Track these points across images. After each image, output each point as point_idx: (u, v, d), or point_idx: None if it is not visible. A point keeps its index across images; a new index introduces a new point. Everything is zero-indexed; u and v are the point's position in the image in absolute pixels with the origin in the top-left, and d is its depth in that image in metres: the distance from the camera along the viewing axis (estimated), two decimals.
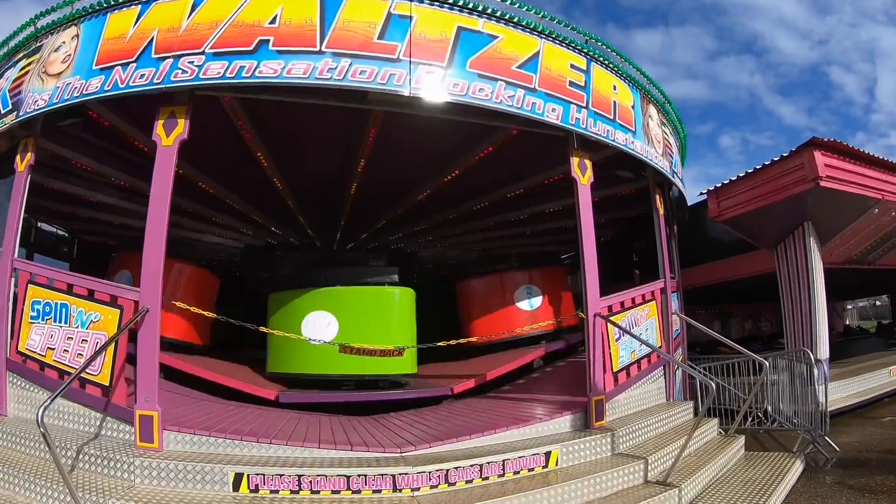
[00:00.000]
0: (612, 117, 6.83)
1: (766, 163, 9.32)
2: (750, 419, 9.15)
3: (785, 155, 9.07)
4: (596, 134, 6.52)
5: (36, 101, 6.10)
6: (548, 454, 5.30)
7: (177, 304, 7.52)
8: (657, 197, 8.10)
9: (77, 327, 5.85)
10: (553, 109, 6.15)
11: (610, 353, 6.48)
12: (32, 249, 12.59)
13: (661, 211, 8.12)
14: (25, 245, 12.39)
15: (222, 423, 5.70)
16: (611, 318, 6.44)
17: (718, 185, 9.98)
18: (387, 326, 8.35)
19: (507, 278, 10.69)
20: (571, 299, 10.64)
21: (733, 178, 9.77)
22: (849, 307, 25.86)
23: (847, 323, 24.70)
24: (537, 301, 10.41)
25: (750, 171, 9.54)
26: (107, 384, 5.53)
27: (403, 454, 5.10)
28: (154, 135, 5.59)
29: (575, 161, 6.48)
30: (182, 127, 5.59)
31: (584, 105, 6.48)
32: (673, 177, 8.26)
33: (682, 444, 5.66)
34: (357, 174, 8.28)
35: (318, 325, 8.17)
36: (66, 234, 13.82)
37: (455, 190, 9.08)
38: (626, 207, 10.43)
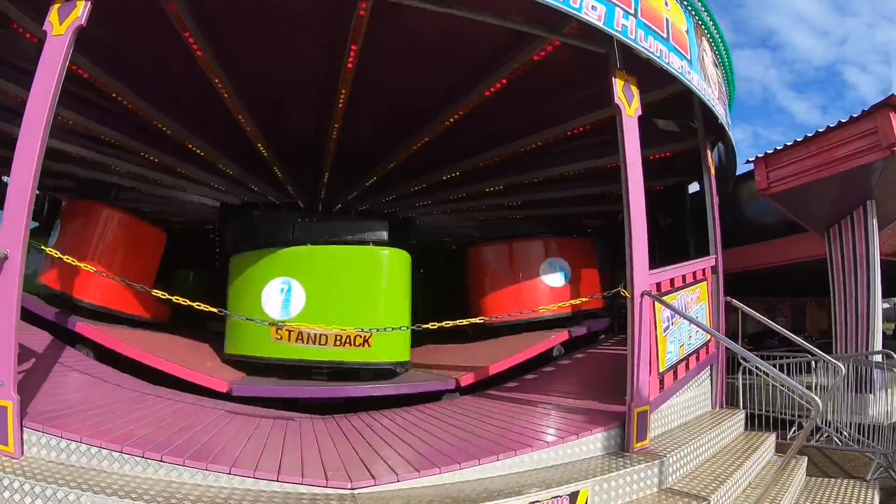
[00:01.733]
0: (665, 36, 4.85)
1: (831, 125, 7.31)
2: (793, 430, 7.19)
3: (855, 116, 7.08)
4: (647, 49, 4.55)
5: None
6: (573, 496, 3.32)
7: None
8: (708, 154, 6.10)
9: None
10: (593, 7, 4.17)
11: (657, 348, 4.51)
12: None
13: (713, 170, 6.13)
14: None
15: (115, 422, 3.76)
16: (663, 299, 4.47)
17: (769, 151, 7.96)
18: (371, 300, 6.33)
19: (533, 247, 8.48)
20: (598, 277, 8.57)
21: (788, 144, 7.76)
22: None
23: None
24: (565, 276, 8.25)
25: (809, 134, 7.53)
26: None
27: (355, 491, 3.13)
28: (46, 23, 3.77)
29: (619, 84, 4.48)
30: (80, 10, 3.74)
31: (632, 12, 4.51)
32: (728, 129, 6.26)
33: (765, 488, 3.72)
34: (338, 111, 6.28)
35: (276, 296, 6.20)
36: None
37: (458, 139, 7.09)
38: (652, 177, 8.36)
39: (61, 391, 4.32)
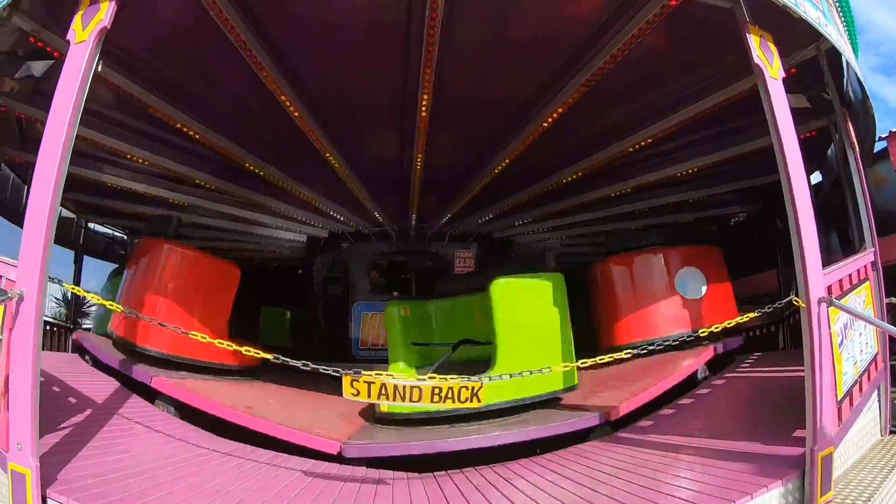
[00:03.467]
0: None
1: None
2: None
3: None
4: None
5: None
6: None
7: None
8: (850, 127, 4.90)
9: None
10: None
11: (834, 370, 3.37)
12: (82, 251, 10.46)
13: (857, 147, 4.92)
14: (73, 247, 10.27)
15: (159, 494, 2.96)
16: (843, 305, 3.34)
17: None
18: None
19: (669, 257, 7.01)
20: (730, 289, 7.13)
21: None
22: None
23: None
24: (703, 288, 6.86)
25: None
26: None
27: None
28: (69, 33, 3.27)
29: (755, 41, 3.45)
30: (104, 12, 3.20)
31: None
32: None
33: None
34: (421, 120, 5.49)
35: None
36: (125, 236, 11.65)
37: (553, 145, 6.23)
38: (765, 171, 7.08)
39: (107, 449, 3.56)
